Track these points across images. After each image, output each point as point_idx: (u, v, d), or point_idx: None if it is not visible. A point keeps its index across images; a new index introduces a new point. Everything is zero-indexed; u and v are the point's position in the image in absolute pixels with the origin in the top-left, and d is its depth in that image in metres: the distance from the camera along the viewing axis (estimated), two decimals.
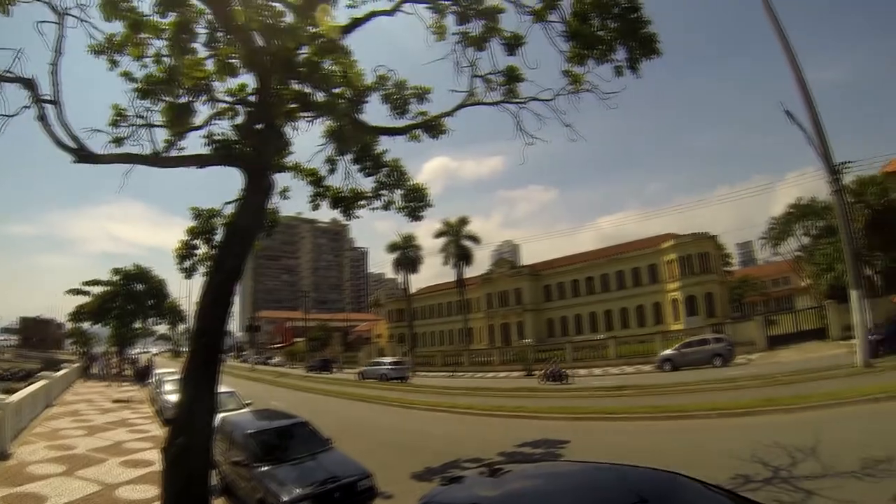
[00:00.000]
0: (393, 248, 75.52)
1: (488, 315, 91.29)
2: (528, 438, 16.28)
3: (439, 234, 75.27)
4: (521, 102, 13.74)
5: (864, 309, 23.71)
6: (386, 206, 16.45)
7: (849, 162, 41.09)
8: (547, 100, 13.53)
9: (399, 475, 12.71)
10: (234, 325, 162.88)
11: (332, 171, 15.77)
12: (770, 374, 25.41)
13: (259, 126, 11.59)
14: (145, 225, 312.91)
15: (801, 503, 8.67)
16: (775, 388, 20.85)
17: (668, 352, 39.07)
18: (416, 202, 16.48)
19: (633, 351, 49.37)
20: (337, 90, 12.62)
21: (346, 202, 16.25)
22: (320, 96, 12.13)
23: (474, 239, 74.99)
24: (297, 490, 9.88)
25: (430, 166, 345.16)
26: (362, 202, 16.34)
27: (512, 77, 13.37)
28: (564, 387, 33.32)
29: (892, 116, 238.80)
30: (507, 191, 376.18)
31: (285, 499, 9.69)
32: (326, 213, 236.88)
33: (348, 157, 15.64)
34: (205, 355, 10.22)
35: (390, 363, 54.89)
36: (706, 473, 9.30)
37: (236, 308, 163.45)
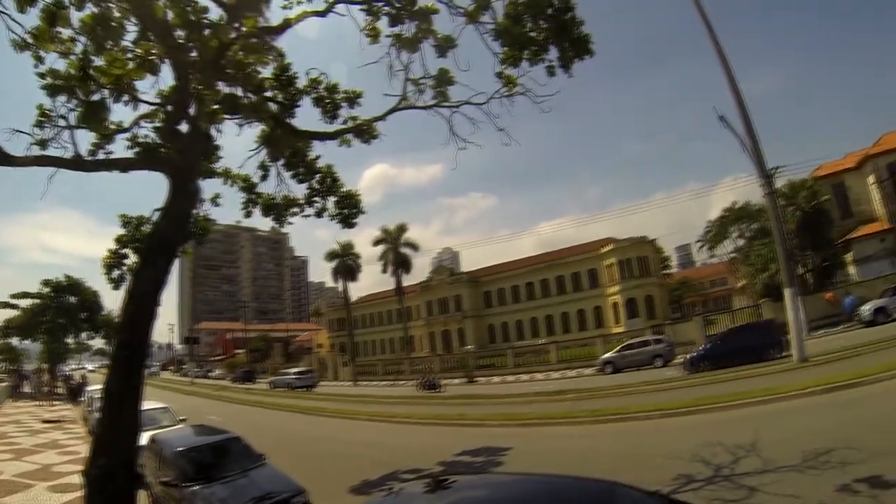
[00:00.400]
0: (332, 256, 75.12)
1: (428, 322, 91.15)
2: (470, 446, 15.85)
3: (378, 242, 75.52)
4: (453, 107, 13.42)
5: (798, 306, 24.00)
6: (319, 214, 15.92)
7: (781, 167, 42.37)
8: (480, 104, 13.20)
9: (336, 489, 12.21)
10: (174, 337, 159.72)
11: (264, 177, 15.31)
12: (710, 372, 25.69)
13: (182, 128, 11.03)
14: (81, 234, 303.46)
15: (745, 500, 8.43)
16: (715, 386, 20.85)
17: (608, 355, 39.20)
18: (349, 209, 16.03)
19: (575, 355, 49.53)
20: (268, 93, 12.30)
21: (278, 209, 15.76)
22: (250, 98, 11.57)
23: (413, 246, 75.53)
24: None
25: (370, 174, 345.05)
26: (295, 209, 15.84)
27: (443, 80, 12.95)
28: (492, 393, 32.99)
29: (821, 122, 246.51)
30: (446, 198, 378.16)
31: None
32: (265, 222, 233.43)
33: (281, 162, 15.08)
34: (127, 369, 9.56)
35: (295, 373, 60.13)
36: (649, 475, 8.87)
37: (174, 320, 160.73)
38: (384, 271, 75.91)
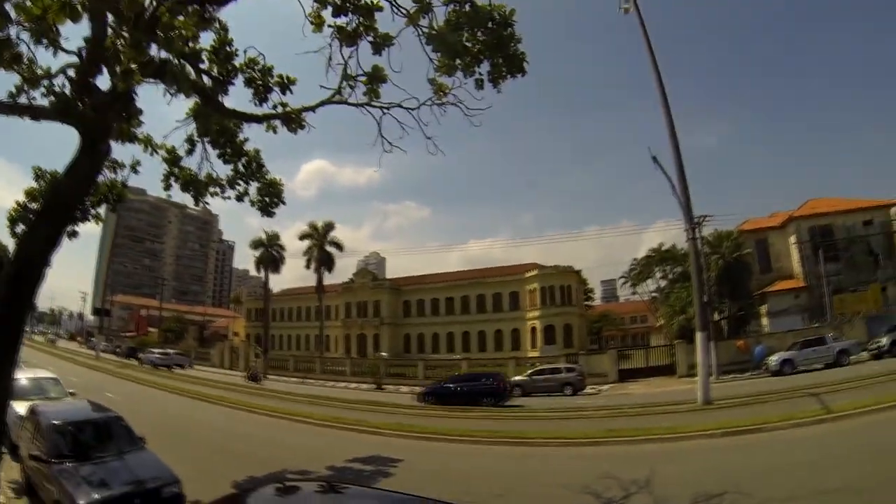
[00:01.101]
0: (257, 244, 73.53)
1: (346, 324, 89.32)
2: (362, 454, 15.37)
3: (304, 237, 74.26)
4: (384, 107, 13.17)
5: (709, 350, 24.34)
6: (240, 198, 15.31)
7: (708, 216, 42.88)
8: (411, 108, 12.94)
9: (218, 483, 11.21)
10: (86, 307, 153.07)
11: (190, 151, 14.51)
12: (617, 406, 25.56)
13: (99, 84, 10.07)
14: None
15: None
16: (619, 419, 20.61)
17: (519, 377, 39.02)
18: (270, 197, 15.47)
19: None
20: (204, 66, 11.66)
21: (198, 186, 14.95)
22: (180, 67, 10.80)
23: (338, 245, 74.53)
24: (95, 494, 8.67)
25: (308, 167, 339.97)
26: (215, 189, 15.14)
27: (376, 76, 12.56)
28: (397, 402, 32.70)
29: (750, 180, 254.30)
30: (381, 203, 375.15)
31: (80, 503, 8.41)
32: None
33: (208, 139, 14.42)
34: (2, 328, 8.58)
35: (159, 353, 64.93)
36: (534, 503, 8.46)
37: (88, 289, 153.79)
38: (307, 267, 74.69)
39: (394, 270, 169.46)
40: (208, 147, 14.53)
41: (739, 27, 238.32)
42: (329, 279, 79.32)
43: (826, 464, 11.34)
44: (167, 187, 15.22)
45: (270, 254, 73.66)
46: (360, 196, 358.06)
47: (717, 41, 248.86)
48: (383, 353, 76.60)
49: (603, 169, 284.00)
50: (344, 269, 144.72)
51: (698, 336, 23.40)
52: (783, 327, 47.94)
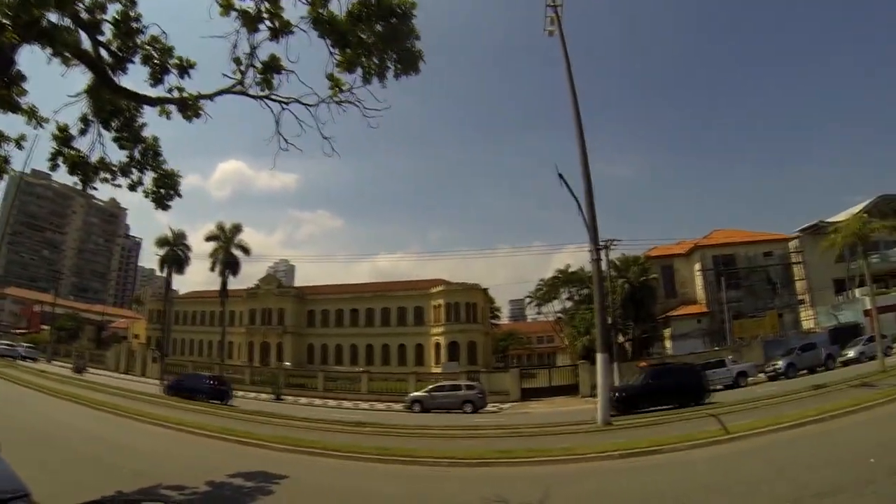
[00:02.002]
0: (162, 242, 69.29)
1: (250, 331, 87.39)
2: (247, 468, 14.03)
3: (210, 238, 70.78)
4: (283, 102, 12.81)
5: (609, 371, 24.27)
6: (133, 187, 14.29)
7: (615, 240, 43.42)
8: (309, 105, 12.64)
9: (82, 497, 9.81)
10: None
11: (83, 131, 13.53)
12: (515, 425, 24.95)
13: None
14: None
15: None
16: (516, 439, 19.78)
17: (418, 393, 38.75)
18: (166, 189, 14.41)
19: (387, 388, 48.97)
20: (103, 37, 11.13)
21: (86, 170, 13.83)
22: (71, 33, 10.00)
23: (245, 249, 71.06)
24: None
25: (224, 167, 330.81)
26: (107, 175, 14.07)
27: (271, 66, 12.15)
28: (290, 414, 31.05)
29: (661, 211, 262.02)
30: (295, 210, 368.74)
31: None
32: (104, 191, 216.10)
33: (101, 120, 13.56)
34: None
35: (5, 344, 65.38)
36: None
37: None
38: (212, 269, 70.63)
39: (304, 279, 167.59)
40: (104, 130, 13.63)
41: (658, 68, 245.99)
42: (238, 284, 77.38)
43: (720, 486, 10.79)
44: (53, 167, 14.12)
45: (176, 253, 69.56)
46: (275, 201, 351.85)
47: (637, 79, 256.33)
48: (286, 363, 75.22)
49: (518, 193, 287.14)
50: (254, 276, 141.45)
51: (599, 357, 22.68)
52: (685, 350, 49.56)
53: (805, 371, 37.04)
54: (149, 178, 14.34)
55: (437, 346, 74.08)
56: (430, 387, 39.23)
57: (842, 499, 8.83)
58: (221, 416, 27.65)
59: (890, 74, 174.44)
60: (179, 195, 14.67)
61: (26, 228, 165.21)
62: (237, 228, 71.09)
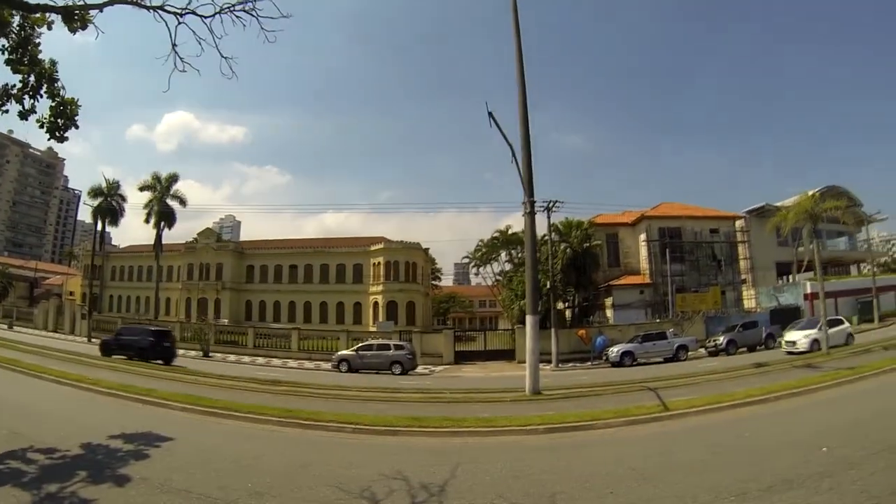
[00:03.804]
0: (96, 193, 66.50)
1: (187, 287, 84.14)
2: (135, 428, 13.00)
3: (144, 188, 68.10)
4: (178, 13, 11.83)
5: (538, 335, 21.94)
6: (24, 115, 12.66)
7: (558, 201, 41.83)
8: (205, 16, 11.84)
9: None
10: None
11: None
12: (439, 389, 23.76)
13: None
14: None
15: None
16: (435, 405, 18.30)
17: (345, 352, 37.45)
18: (63, 118, 12.81)
19: (317, 346, 47.85)
20: None
21: None
22: None
23: (181, 200, 68.65)
24: None
25: (170, 118, 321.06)
26: None
27: None
28: (207, 371, 29.75)
29: (608, 182, 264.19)
30: (242, 165, 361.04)
31: None
32: (42, 140, 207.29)
33: None
34: None
35: None
36: None
37: None
38: (146, 221, 68.47)
39: (251, 236, 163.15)
40: None
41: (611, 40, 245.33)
42: (177, 239, 76.42)
43: (653, 472, 9.24)
44: None
45: (110, 204, 66.82)
46: (222, 155, 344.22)
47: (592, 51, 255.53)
48: (224, 320, 73.51)
49: (468, 157, 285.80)
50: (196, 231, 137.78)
51: (529, 319, 20.99)
52: (626, 320, 49.14)
53: (745, 349, 36.86)
54: (45, 106, 12.78)
55: (376, 304, 72.72)
56: (358, 346, 37.90)
57: (795, 496, 7.37)
58: (126, 373, 25.71)
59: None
60: (76, 126, 13.16)
61: None
62: (173, 178, 68.68)
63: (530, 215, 21.98)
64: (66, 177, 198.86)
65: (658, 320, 48.66)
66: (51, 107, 12.65)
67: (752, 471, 8.67)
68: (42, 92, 12.63)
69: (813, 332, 31.68)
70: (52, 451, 10.52)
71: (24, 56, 12.25)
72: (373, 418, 14.67)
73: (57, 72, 12.74)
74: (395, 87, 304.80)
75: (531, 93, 22.54)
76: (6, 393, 18.73)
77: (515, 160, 21.60)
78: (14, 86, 12.45)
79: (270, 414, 15.45)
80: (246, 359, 43.78)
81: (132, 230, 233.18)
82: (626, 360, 35.18)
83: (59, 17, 11.64)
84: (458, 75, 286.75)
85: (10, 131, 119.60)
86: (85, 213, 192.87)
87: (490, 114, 21.13)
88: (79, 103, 12.94)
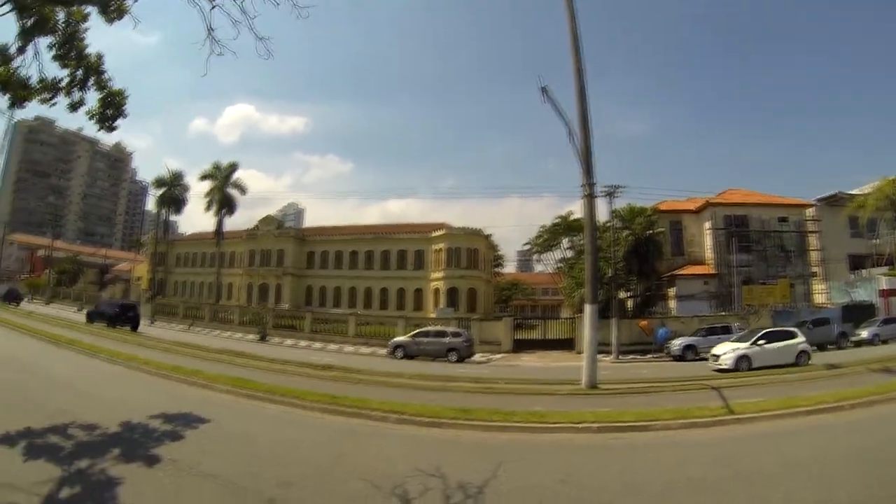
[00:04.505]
0: (159, 183, 70.43)
1: (248, 273, 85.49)
2: (174, 409, 13.06)
3: (205, 177, 70.23)
4: None
5: (597, 325, 20.81)
6: (74, 107, 13.07)
7: (621, 186, 40.67)
8: None
9: None
10: None
11: (21, 49, 12.32)
12: (494, 379, 22.81)
13: None
14: None
15: None
16: (486, 396, 17.68)
17: (401, 338, 36.85)
18: (112, 109, 13.33)
19: (374, 332, 47.06)
20: None
21: (14, 88, 12.54)
22: None
23: (241, 188, 70.79)
24: None
25: (232, 111, 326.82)
26: (47, 95, 12.92)
27: None
28: (260, 354, 28.97)
29: (677, 167, 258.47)
30: (304, 154, 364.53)
31: None
32: (110, 136, 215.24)
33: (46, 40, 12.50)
34: None
35: None
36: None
37: None
38: (207, 209, 70.67)
39: (314, 223, 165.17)
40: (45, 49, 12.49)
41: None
42: (241, 227, 79.58)
43: (716, 482, 8.32)
44: None
45: (173, 194, 70.40)
46: (283, 145, 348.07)
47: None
48: (285, 305, 74.43)
49: (530, 145, 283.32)
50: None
51: (587, 309, 19.85)
52: (689, 312, 46.82)
53: (815, 348, 32.80)
54: (94, 98, 13.21)
55: (437, 291, 71.99)
56: (415, 332, 37.38)
57: None
58: (182, 355, 25.94)
59: None
60: (124, 115, 13.54)
61: (32, 175, 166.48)
62: (233, 167, 70.50)
63: (589, 198, 20.84)
64: (133, 169, 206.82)
65: (723, 313, 46.50)
66: (99, 98, 12.98)
67: (827, 490, 7.75)
68: (90, 84, 12.85)
69: (742, 347, 27.51)
70: (93, 428, 10.68)
71: (71, 51, 12.44)
72: (419, 408, 14.13)
73: (103, 64, 12.98)
74: (454, 73, 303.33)
75: (589, 76, 21.37)
76: (61, 371, 19.12)
77: (572, 139, 20.47)
78: (61, 80, 12.72)
79: (314, 400, 15.15)
80: (302, 343, 43.74)
81: (197, 218, 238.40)
82: (689, 353, 33.67)
83: (96, 8, 11.76)
84: (519, 61, 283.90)
85: (81, 129, 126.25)
86: (152, 203, 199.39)
87: (543, 88, 20.06)
88: (126, 94, 13.23)
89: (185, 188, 72.43)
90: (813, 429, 12.25)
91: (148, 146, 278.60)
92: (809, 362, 26.40)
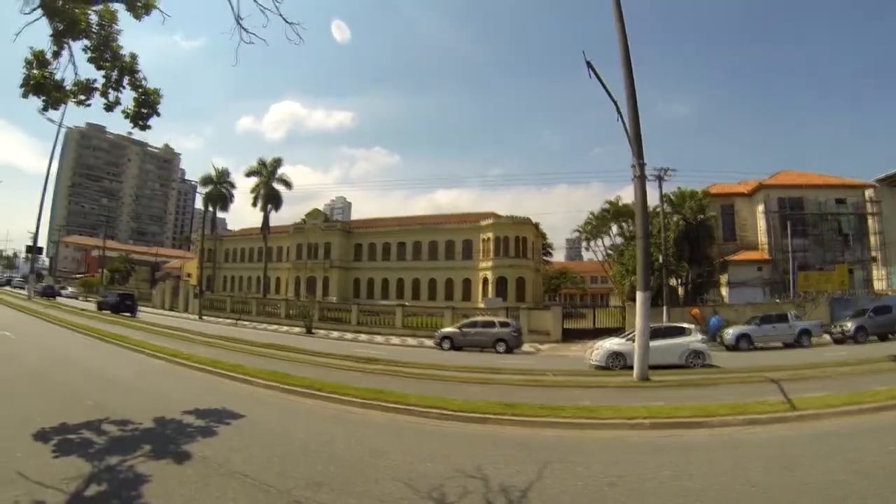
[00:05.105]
0: (206, 181, 71.86)
1: (296, 266, 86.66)
2: (210, 404, 13.03)
3: (250, 174, 72.07)
4: None
5: (649, 313, 19.84)
6: (109, 107, 13.02)
7: (671, 169, 39.63)
8: None
9: (20, 430, 9.82)
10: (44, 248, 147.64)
11: (57, 53, 12.19)
12: (542, 370, 22.45)
13: None
14: None
15: None
16: (533, 390, 17.09)
17: (448, 329, 36.53)
18: (146, 108, 13.30)
19: (421, 323, 47.14)
20: None
21: (48, 90, 12.32)
22: None
23: (287, 183, 72.10)
24: None
25: (278, 108, 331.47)
26: (82, 96, 12.86)
27: None
28: (303, 347, 29.12)
29: (722, 148, 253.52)
30: (350, 148, 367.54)
31: None
32: (157, 139, 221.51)
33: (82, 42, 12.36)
34: None
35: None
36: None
37: (43, 230, 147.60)
38: (254, 204, 72.21)
39: (362, 216, 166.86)
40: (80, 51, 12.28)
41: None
42: (290, 221, 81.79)
43: (779, 490, 7.49)
44: (25, 94, 12.53)
45: (220, 191, 71.95)
46: (330, 140, 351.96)
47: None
48: (332, 297, 75.39)
49: (577, 133, 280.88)
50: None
51: (639, 296, 18.90)
52: (743, 299, 45.76)
53: (875, 337, 32.45)
54: (129, 97, 13.17)
55: (485, 281, 71.60)
56: (462, 322, 37.02)
57: None
58: (226, 349, 26.12)
59: None
60: (158, 114, 13.50)
61: (85, 179, 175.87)
62: (277, 162, 72.15)
63: (640, 179, 19.94)
64: (182, 170, 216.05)
65: (778, 301, 44.75)
66: (134, 98, 12.96)
67: None
68: (125, 84, 12.81)
69: (616, 344, 25.81)
70: (126, 424, 10.67)
71: (106, 52, 12.37)
72: (462, 403, 13.62)
73: (137, 64, 12.95)
74: (496, 63, 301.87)
75: (634, 53, 20.48)
76: (104, 366, 19.23)
77: (620, 116, 19.59)
78: (94, 80, 12.68)
79: (354, 394, 14.77)
80: (348, 335, 43.68)
81: (246, 214, 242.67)
82: (743, 343, 32.48)
83: (123, 5, 11.69)
84: (558, 46, 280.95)
85: (130, 133, 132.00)
86: (200, 202, 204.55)
87: (589, 63, 19.16)
88: (161, 93, 13.21)
89: (232, 185, 74.02)
90: (883, 429, 11.18)
91: (198, 147, 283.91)
92: (706, 364, 24.55)
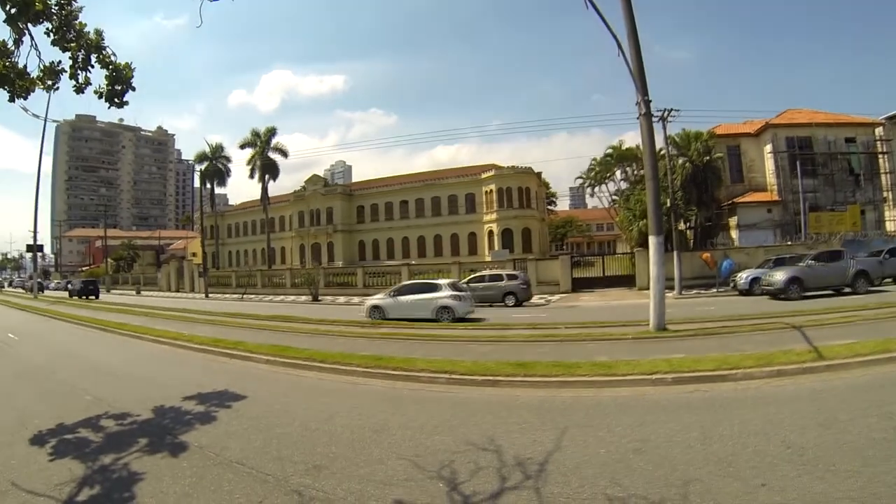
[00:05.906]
0: (201, 158, 71.89)
1: (299, 234, 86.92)
2: (210, 386, 12.71)
3: (245, 145, 72.26)
4: None
5: (663, 261, 19.05)
6: (80, 89, 12.38)
7: (675, 109, 38.68)
8: None
9: (17, 435, 9.53)
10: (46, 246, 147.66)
11: (17, 41, 11.60)
12: (554, 324, 21.89)
13: None
14: None
15: None
16: (547, 345, 16.31)
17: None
18: (120, 84, 12.64)
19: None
20: None
21: (7, 82, 11.82)
22: None
23: (283, 152, 71.90)
24: None
25: (269, 78, 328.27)
26: (49, 81, 12.40)
27: None
28: (307, 316, 29.22)
29: (725, 91, 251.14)
30: (346, 111, 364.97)
31: None
32: (149, 122, 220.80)
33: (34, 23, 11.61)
34: None
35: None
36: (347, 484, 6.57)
37: (45, 227, 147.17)
38: (251, 176, 72.94)
39: (364, 178, 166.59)
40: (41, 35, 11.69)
41: None
42: (291, 190, 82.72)
43: (816, 450, 6.77)
44: None
45: (216, 167, 72.12)
46: (325, 105, 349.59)
47: None
48: (338, 262, 75.99)
49: (575, 79, 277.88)
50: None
51: (652, 241, 18.04)
52: (753, 242, 45.37)
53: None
54: (100, 76, 12.61)
55: (491, 234, 71.71)
56: (469, 277, 36.28)
57: None
58: (228, 326, 25.95)
59: None
60: (133, 88, 12.84)
61: (81, 172, 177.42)
62: (271, 132, 71.69)
63: (646, 117, 18.90)
64: (178, 150, 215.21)
65: (789, 243, 44.39)
66: (106, 75, 12.43)
67: None
68: (93, 63, 12.29)
69: (377, 298, 28.32)
70: (124, 417, 10.39)
71: (69, 32, 11.83)
72: (471, 365, 13.03)
73: (104, 40, 12.36)
74: (486, 13, 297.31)
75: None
76: (104, 357, 19.03)
77: (621, 51, 18.53)
78: (59, 62, 12.20)
79: (357, 363, 14.32)
80: (355, 300, 42.86)
81: (246, 188, 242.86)
82: (756, 287, 31.19)
83: None
84: None
85: (121, 119, 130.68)
86: (199, 180, 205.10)
87: None
88: (133, 67, 12.58)
89: (227, 159, 74.18)
90: None
91: (192, 126, 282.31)
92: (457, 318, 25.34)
